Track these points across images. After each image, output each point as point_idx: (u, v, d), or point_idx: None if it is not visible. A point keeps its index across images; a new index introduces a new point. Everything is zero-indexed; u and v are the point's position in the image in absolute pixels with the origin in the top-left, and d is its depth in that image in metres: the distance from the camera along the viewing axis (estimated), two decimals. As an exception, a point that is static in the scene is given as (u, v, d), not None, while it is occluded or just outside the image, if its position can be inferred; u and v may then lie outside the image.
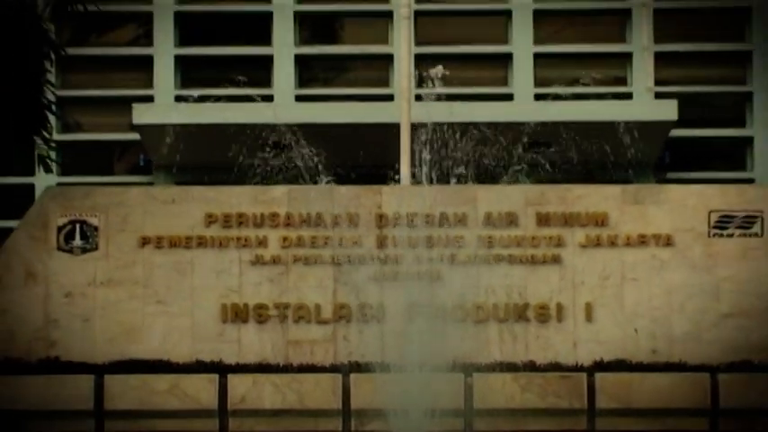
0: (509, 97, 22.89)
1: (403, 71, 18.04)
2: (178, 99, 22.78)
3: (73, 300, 15.83)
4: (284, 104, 22.27)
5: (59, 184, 21.35)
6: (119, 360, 15.47)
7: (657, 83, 23.10)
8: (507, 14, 23.26)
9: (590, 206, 15.98)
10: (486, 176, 15.57)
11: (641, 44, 23.13)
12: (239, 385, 15.05)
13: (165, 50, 23.26)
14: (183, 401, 14.99)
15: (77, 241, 15.89)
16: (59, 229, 15.92)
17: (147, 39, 23.48)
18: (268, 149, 15.59)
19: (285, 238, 15.92)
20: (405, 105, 17.46)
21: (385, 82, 23.23)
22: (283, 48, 23.20)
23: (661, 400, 14.98)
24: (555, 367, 15.36)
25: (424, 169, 15.19)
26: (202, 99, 19.61)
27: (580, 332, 15.79)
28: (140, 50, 23.46)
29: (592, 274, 15.86)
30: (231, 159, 15.83)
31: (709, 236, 15.92)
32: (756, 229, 15.90)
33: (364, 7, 23.39)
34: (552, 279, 15.87)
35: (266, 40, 23.35)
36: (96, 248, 15.91)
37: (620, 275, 15.87)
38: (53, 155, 17.02)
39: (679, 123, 20.99)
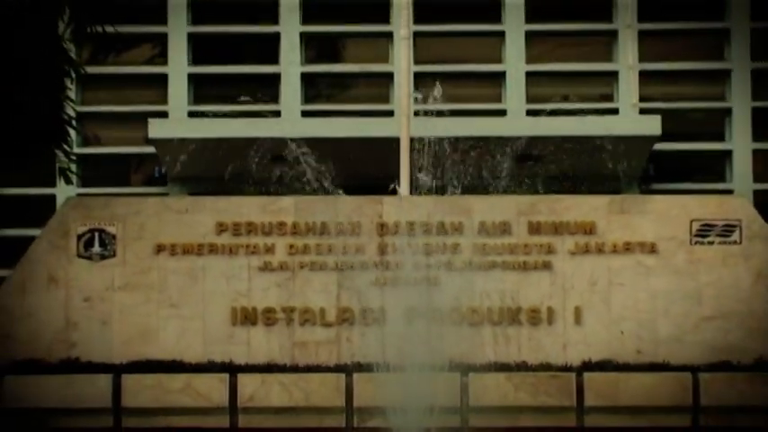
0: (502, 113, 22.86)
1: (402, 88, 18.03)
2: (191, 114, 22.78)
3: (92, 304, 15.84)
4: (291, 120, 22.25)
5: (79, 195, 21.32)
6: (135, 361, 15.48)
7: (642, 99, 23.05)
8: (501, 35, 23.24)
9: (579, 216, 15.97)
10: (481, 187, 15.57)
11: (627, 63, 23.10)
12: (248, 384, 15.05)
13: (178, 69, 23.22)
14: (195, 400, 14.98)
15: (96, 248, 15.89)
16: (79, 237, 15.92)
17: (162, 58, 23.44)
18: (276, 162, 15.57)
19: (292, 246, 15.92)
20: (404, 121, 17.46)
21: (386, 99, 23.19)
22: (290, 66, 23.17)
23: (646, 398, 14.97)
24: (546, 367, 15.36)
25: (423, 180, 15.20)
26: (221, 115, 19.64)
27: (569, 334, 15.78)
28: (156, 69, 23.43)
29: (580, 280, 15.85)
30: (241, 171, 15.82)
31: (691, 243, 15.92)
32: (735, 237, 15.90)
33: (366, 28, 23.36)
34: (543, 284, 15.85)
35: (274, 59, 23.31)
36: (114, 255, 15.91)
37: (607, 281, 15.86)
38: (73, 167, 17.00)
39: (662, 137, 20.94)
